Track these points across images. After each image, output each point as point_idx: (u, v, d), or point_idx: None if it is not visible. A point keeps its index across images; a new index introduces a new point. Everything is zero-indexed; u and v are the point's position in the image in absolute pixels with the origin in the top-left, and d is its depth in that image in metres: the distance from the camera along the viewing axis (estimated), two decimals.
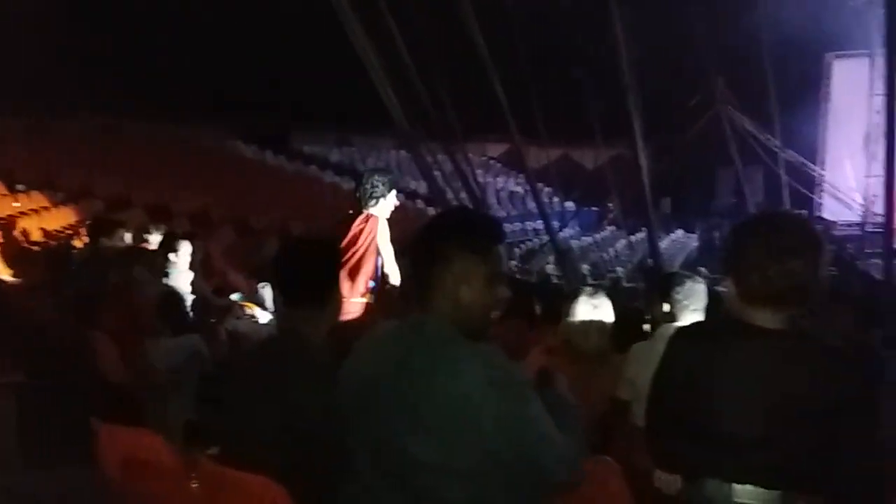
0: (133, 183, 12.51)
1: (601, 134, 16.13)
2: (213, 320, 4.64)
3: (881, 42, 12.65)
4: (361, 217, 3.75)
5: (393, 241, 3.90)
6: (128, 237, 5.17)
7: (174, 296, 4.08)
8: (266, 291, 4.95)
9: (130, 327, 3.94)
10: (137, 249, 5.01)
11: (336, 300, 2.00)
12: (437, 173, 12.86)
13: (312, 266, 1.97)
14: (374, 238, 3.73)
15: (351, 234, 3.71)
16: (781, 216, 1.77)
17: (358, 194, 3.82)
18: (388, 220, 3.91)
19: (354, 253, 3.70)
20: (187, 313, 4.10)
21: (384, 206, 3.81)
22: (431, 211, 15.43)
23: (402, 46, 10.49)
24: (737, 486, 1.58)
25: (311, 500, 1.62)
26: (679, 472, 1.79)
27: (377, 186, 3.77)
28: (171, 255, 4.52)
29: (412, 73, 11.22)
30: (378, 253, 3.81)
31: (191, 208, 11.73)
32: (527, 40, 13.38)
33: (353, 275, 3.67)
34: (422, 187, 17.48)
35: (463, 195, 12.31)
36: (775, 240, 1.59)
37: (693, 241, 18.76)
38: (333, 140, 21.42)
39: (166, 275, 4.44)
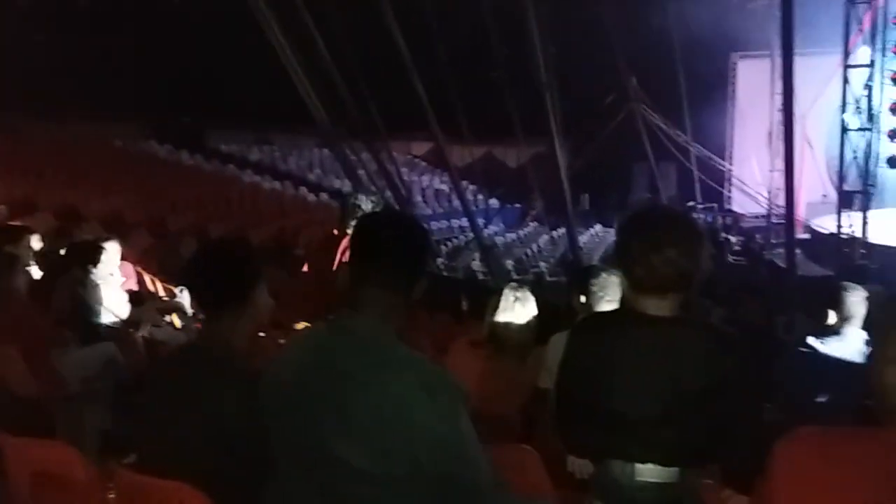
0: (39, 185, 11.88)
1: (523, 132, 16.39)
2: (129, 328, 4.49)
3: (780, 43, 13.51)
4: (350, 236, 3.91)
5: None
6: (35, 243, 4.91)
7: (82, 305, 3.92)
8: (185, 296, 4.83)
9: (35, 338, 3.75)
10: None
11: (258, 303, 1.92)
12: (361, 172, 12.79)
13: (231, 269, 1.92)
14: None
15: (341, 253, 3.85)
16: (661, 210, 1.90)
17: (344, 213, 3.97)
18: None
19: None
20: (98, 322, 3.95)
21: None
22: None
23: (320, 43, 10.36)
24: (639, 466, 1.70)
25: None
26: (587, 455, 1.92)
27: (359, 206, 3.93)
28: (97, 262, 4.33)
29: (332, 71, 11.11)
30: None
31: (103, 211, 11.22)
32: (446, 39, 13.47)
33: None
34: (346, 186, 17.35)
35: (388, 194, 12.28)
36: (655, 232, 1.71)
37: (611, 236, 19.22)
38: (252, 138, 20.91)
39: (84, 284, 4.26)
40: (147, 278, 6.41)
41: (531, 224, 19.57)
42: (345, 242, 3.84)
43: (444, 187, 21.11)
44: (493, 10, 13.96)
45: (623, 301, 1.82)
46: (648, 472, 1.69)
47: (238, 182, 17.44)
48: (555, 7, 15.48)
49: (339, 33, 11.51)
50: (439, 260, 13.59)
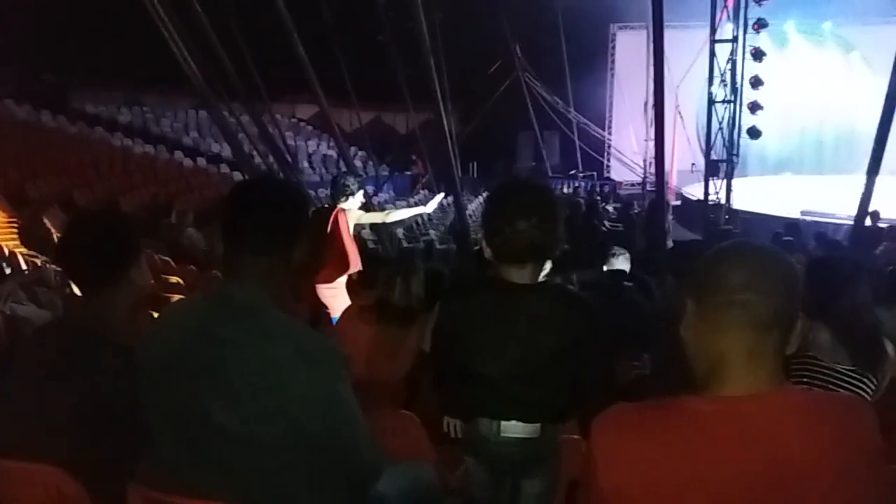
0: None
1: (411, 98, 16.32)
2: None
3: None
4: (336, 211, 4.46)
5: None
6: None
7: None
8: (49, 270, 4.50)
9: None
10: None
11: (137, 277, 1.81)
12: (241, 136, 12.29)
13: (107, 243, 1.79)
14: (347, 229, 4.50)
15: (330, 226, 4.39)
16: (517, 184, 2.00)
17: (333, 192, 4.66)
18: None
19: (335, 243, 4.41)
20: None
21: (353, 202, 4.56)
22: (238, 176, 14.78)
23: None
24: (504, 423, 1.84)
25: (107, 482, 1.54)
26: (459, 415, 2.05)
27: (348, 186, 4.53)
28: None
29: (208, 29, 10.54)
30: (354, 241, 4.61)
31: None
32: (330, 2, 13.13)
33: (339, 262, 4.41)
34: (226, 150, 16.64)
35: (271, 159, 11.89)
36: (510, 206, 1.81)
37: None
38: (121, 98, 19.60)
39: None
40: (6, 251, 5.93)
41: (421, 192, 19.63)
42: (334, 216, 4.39)
43: (332, 153, 20.73)
44: None
45: (489, 268, 1.91)
46: (511, 428, 1.83)
47: (106, 146, 16.36)
48: None
49: None
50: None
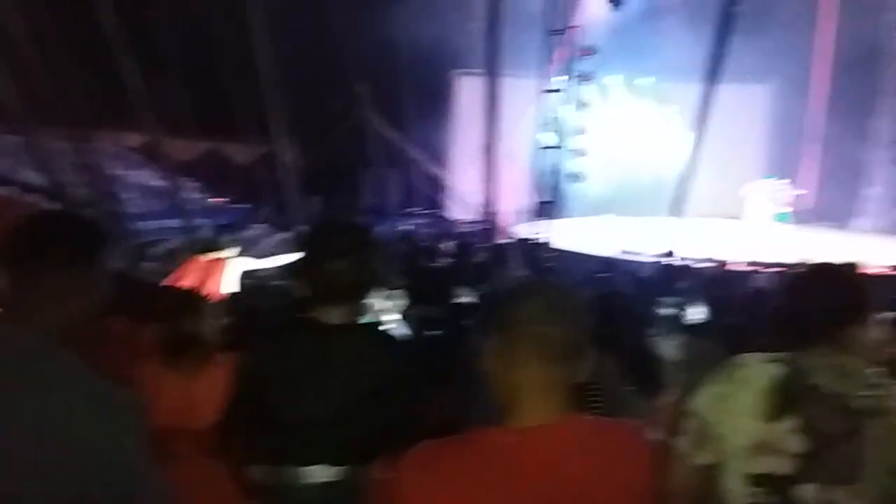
0: None
1: (251, 129, 15.93)
2: None
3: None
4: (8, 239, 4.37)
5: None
6: None
7: None
8: None
9: None
10: None
11: None
12: (59, 164, 11.35)
13: None
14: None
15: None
16: (335, 222, 2.03)
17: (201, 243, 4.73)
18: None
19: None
20: None
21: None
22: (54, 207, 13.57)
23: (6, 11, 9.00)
24: (310, 468, 1.79)
25: None
26: (264, 462, 1.93)
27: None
28: None
29: (24, 46, 9.73)
30: None
31: None
32: (166, 27, 12.60)
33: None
34: (41, 179, 15.25)
35: (90, 190, 11.06)
36: (326, 244, 1.81)
37: None
38: None
39: None
40: None
41: (261, 226, 19.06)
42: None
43: (162, 184, 19.63)
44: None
45: (302, 309, 1.88)
46: (318, 472, 1.79)
47: None
48: (285, 3, 15.25)
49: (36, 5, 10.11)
50: (146, 263, 12.58)
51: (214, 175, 18.78)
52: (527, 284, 1.41)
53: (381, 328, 2.01)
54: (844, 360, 1.65)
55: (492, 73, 6.93)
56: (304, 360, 1.79)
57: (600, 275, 8.75)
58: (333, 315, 1.81)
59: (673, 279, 8.57)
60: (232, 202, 19.66)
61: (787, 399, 1.60)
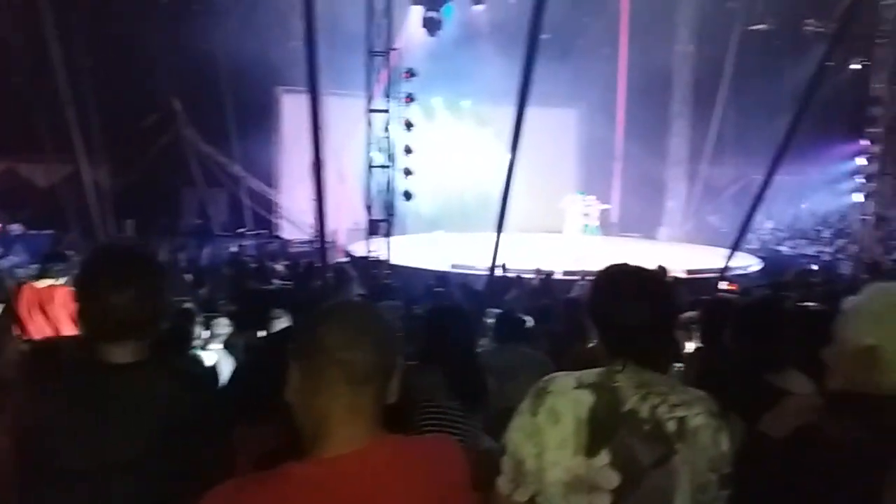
0: None
1: (53, 149, 14.55)
2: None
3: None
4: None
5: None
6: None
7: None
8: None
9: None
10: None
11: None
12: None
13: None
14: None
15: None
16: (114, 251, 1.83)
17: None
18: None
19: None
20: None
21: None
22: None
23: None
24: None
25: None
26: None
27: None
28: None
29: None
30: None
31: None
32: None
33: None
34: None
35: None
36: (104, 276, 1.63)
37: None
38: None
39: None
40: None
41: (66, 252, 17.38)
42: None
43: None
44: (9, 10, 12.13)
45: (86, 349, 1.68)
46: None
47: None
48: (93, 17, 14.16)
49: None
50: None
51: (12, 198, 16.90)
52: (331, 308, 1.33)
53: (181, 363, 1.84)
54: (652, 377, 1.64)
55: (313, 90, 6.84)
56: (84, 404, 1.57)
57: (436, 289, 8.90)
58: (118, 353, 1.62)
59: (501, 291, 8.92)
60: (32, 227, 17.77)
61: (600, 431, 1.58)
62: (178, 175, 17.89)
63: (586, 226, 16.73)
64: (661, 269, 10.27)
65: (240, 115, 18.33)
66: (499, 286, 9.24)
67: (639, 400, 1.60)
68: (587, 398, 1.61)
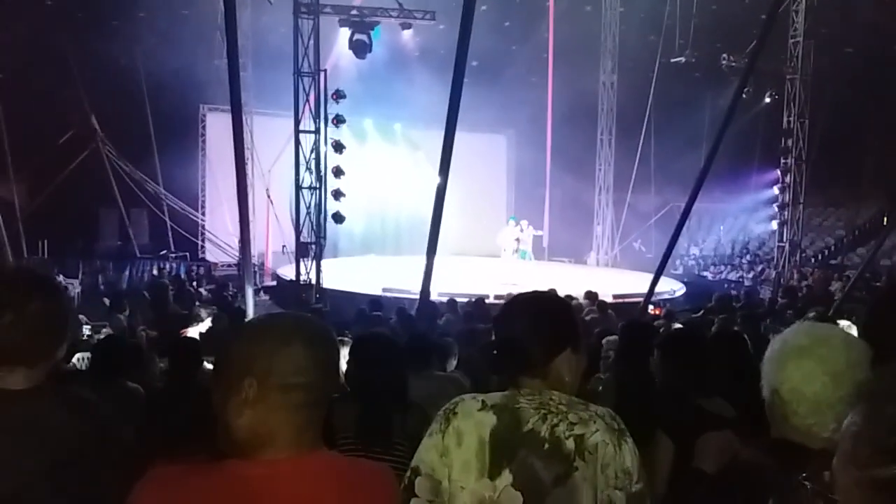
0: None
1: None
2: None
3: (247, 98, 14.41)
4: None
5: None
6: None
7: None
8: None
9: None
10: None
11: None
12: None
13: None
14: None
15: None
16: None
17: None
18: None
19: None
20: None
21: None
22: None
23: None
24: None
25: None
26: None
27: None
28: None
29: None
30: None
31: None
32: None
33: None
34: None
35: None
36: None
37: (76, 287, 17.52)
38: None
39: None
40: None
41: None
42: None
43: None
44: None
45: None
46: None
47: None
48: (5, 29, 13.55)
49: None
50: None
51: None
52: (284, 331, 1.30)
53: (77, 391, 1.70)
54: (554, 397, 1.66)
55: (236, 109, 6.64)
56: None
57: (374, 313, 8.74)
58: (8, 380, 1.48)
59: (434, 315, 8.82)
60: None
61: (501, 451, 1.60)
62: (96, 194, 17.16)
63: (521, 251, 16.92)
64: (591, 294, 10.45)
65: (163, 133, 17.80)
66: (431, 310, 9.15)
67: (539, 420, 1.62)
68: (489, 419, 1.63)
